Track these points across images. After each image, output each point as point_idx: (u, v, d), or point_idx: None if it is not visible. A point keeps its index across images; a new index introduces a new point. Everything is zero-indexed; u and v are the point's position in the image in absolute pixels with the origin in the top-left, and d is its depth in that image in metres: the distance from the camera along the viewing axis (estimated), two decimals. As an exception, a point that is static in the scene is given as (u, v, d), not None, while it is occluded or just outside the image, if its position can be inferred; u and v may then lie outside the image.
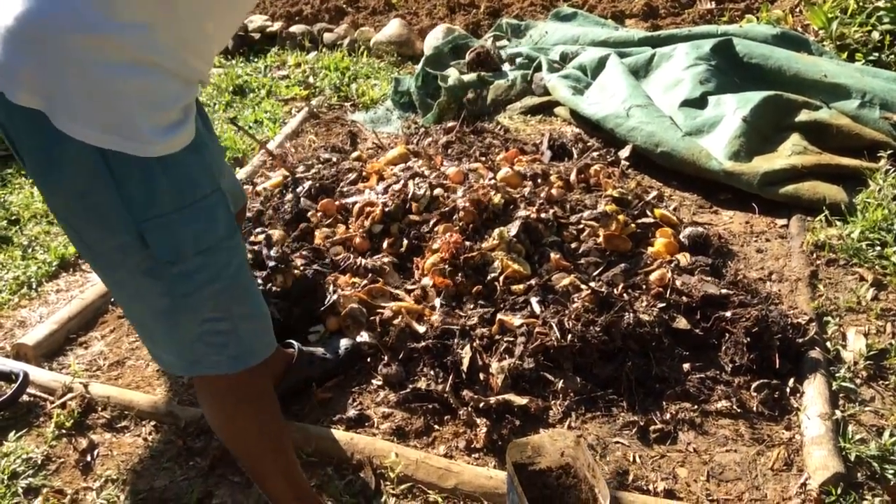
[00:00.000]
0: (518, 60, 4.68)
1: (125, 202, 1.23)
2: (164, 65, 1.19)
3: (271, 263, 2.51)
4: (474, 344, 2.35)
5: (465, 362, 2.29)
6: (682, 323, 2.41)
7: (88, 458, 2.09)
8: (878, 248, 2.80)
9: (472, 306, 2.53)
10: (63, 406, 2.23)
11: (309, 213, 3.05)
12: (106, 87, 1.15)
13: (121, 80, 1.15)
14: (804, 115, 3.52)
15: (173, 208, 1.27)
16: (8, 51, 1.13)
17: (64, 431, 2.17)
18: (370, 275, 2.69)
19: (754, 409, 2.18)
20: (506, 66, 4.68)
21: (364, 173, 3.33)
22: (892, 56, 4.20)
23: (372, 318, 2.49)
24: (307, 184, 3.22)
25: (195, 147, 1.30)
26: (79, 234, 1.33)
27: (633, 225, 2.86)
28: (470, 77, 4.43)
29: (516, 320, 2.41)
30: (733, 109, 3.51)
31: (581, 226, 2.83)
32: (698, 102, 3.68)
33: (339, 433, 2.10)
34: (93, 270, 1.46)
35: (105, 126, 1.16)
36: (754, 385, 2.23)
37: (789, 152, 3.32)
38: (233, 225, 1.40)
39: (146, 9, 1.14)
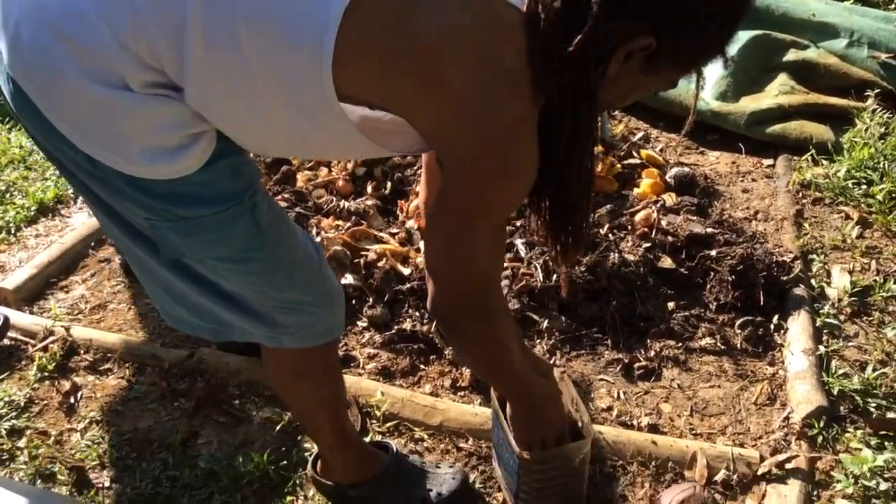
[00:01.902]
0: None
1: (126, 199, 1.13)
2: (170, 94, 1.05)
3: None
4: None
5: (450, 302, 2.28)
6: (667, 262, 2.41)
7: (72, 400, 2.07)
8: (864, 186, 2.80)
9: (456, 247, 2.51)
10: (45, 349, 2.21)
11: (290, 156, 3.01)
12: (95, 100, 1.02)
13: (114, 97, 1.02)
14: (792, 55, 3.48)
15: (178, 217, 1.14)
16: (21, 21, 1.02)
17: (46, 374, 2.15)
18: (354, 217, 2.67)
19: (738, 345, 2.19)
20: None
21: (347, 116, 3.27)
22: (881, -5, 4.16)
23: (356, 260, 2.47)
24: (289, 127, 3.17)
25: (210, 163, 1.12)
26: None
27: (619, 166, 2.84)
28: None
29: (501, 260, 2.40)
30: (721, 49, 3.46)
31: (567, 166, 2.80)
32: (685, 43, 3.63)
33: (324, 373, 2.09)
34: None
35: (90, 135, 1.06)
36: (738, 322, 2.24)
37: (776, 92, 3.29)
38: (265, 237, 1.23)
39: (162, 64, 1.02)
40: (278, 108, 1.08)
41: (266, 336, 1.39)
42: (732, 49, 3.36)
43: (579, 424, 1.64)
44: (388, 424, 1.95)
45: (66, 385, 2.11)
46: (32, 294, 2.47)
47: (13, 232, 2.83)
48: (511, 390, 1.50)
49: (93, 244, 2.70)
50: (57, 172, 3.18)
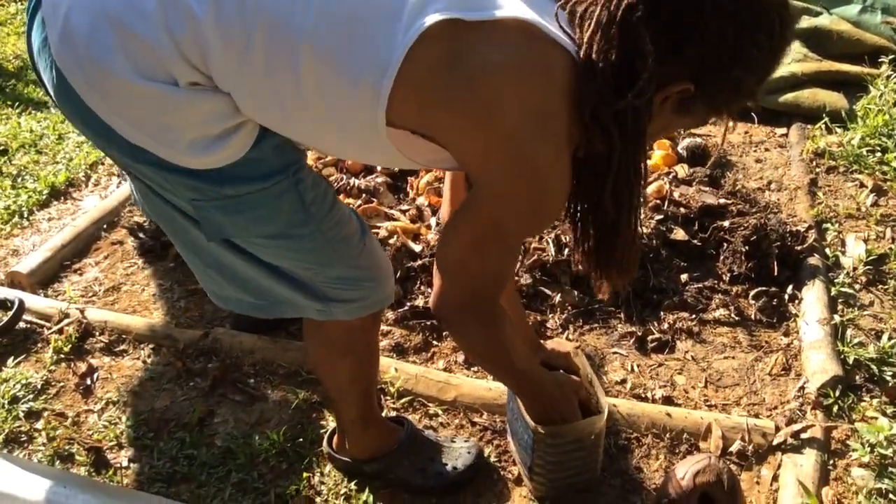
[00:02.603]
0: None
1: (170, 184, 1.16)
2: (212, 86, 1.08)
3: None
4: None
5: (463, 278, 2.28)
6: (679, 234, 2.39)
7: (88, 382, 2.09)
8: (879, 153, 2.77)
9: (468, 223, 2.51)
10: (60, 332, 2.22)
11: (300, 135, 3.00)
12: (143, 92, 1.04)
13: (162, 91, 1.04)
14: (804, 22, 3.44)
15: (223, 196, 1.17)
16: (74, 6, 1.03)
17: (62, 356, 2.17)
18: (364, 195, 2.66)
19: (752, 316, 2.18)
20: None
21: (355, 93, 3.26)
22: (895, -41, 4.08)
23: (367, 237, 2.47)
24: (298, 105, 3.16)
25: (252, 146, 1.15)
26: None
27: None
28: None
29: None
30: (732, 18, 3.42)
31: (577, 140, 2.78)
32: (696, 11, 3.59)
33: (338, 351, 2.10)
34: None
35: (137, 124, 1.08)
36: (752, 293, 2.23)
37: (789, 60, 3.25)
38: (309, 212, 1.24)
39: (215, 76, 1.06)
40: (326, 129, 1.14)
41: (318, 310, 1.40)
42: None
43: (593, 400, 1.64)
44: (403, 400, 1.96)
45: (82, 367, 2.12)
46: (47, 277, 2.48)
47: (26, 216, 2.84)
48: (512, 386, 1.57)
49: (105, 227, 2.71)
50: (68, 156, 3.19)
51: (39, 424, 1.97)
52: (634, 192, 1.18)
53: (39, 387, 2.08)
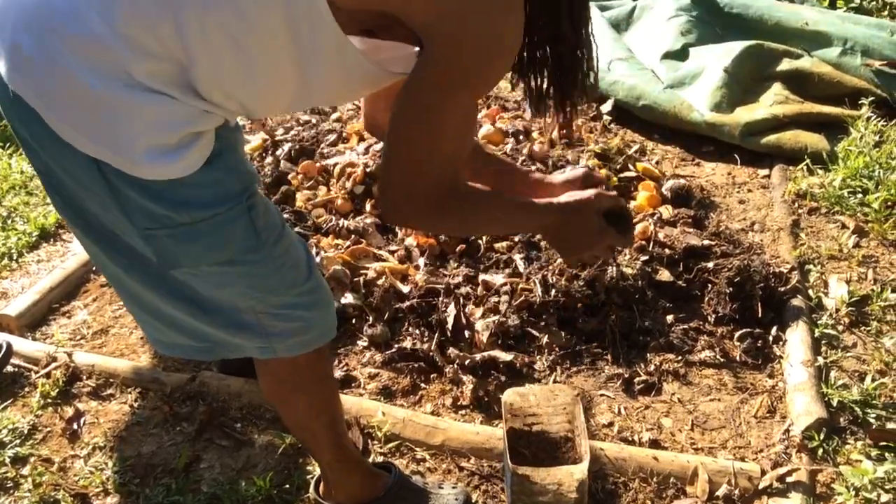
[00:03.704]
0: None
1: (124, 211, 1.13)
2: (170, 93, 1.07)
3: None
4: (459, 302, 2.35)
5: (450, 321, 2.29)
6: (664, 275, 2.42)
7: (75, 427, 2.08)
8: (860, 195, 2.81)
9: (456, 265, 2.53)
10: (48, 376, 2.22)
11: (290, 176, 3.02)
12: (98, 97, 1.04)
13: (116, 94, 1.04)
14: (785, 65, 3.50)
15: (177, 223, 1.15)
16: (15, 27, 1.05)
17: (49, 401, 2.16)
18: (353, 236, 2.68)
19: (737, 358, 2.20)
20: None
21: (344, 134, 3.30)
22: (874, 2, 4.18)
23: (356, 279, 2.48)
24: (287, 146, 3.19)
25: (209, 163, 1.15)
26: (76, 223, 1.24)
27: (615, 179, 2.86)
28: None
29: (499, 279, 2.41)
30: (714, 60, 3.49)
31: (563, 181, 2.82)
32: (680, 54, 3.66)
33: (326, 394, 2.10)
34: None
35: (93, 136, 1.06)
36: (737, 334, 2.25)
37: (771, 102, 3.31)
38: (261, 238, 1.24)
39: (161, 46, 1.04)
40: (277, 46, 1.08)
41: (259, 347, 1.40)
42: (727, 60, 3.39)
43: (580, 450, 1.66)
44: (390, 445, 1.96)
45: (69, 411, 2.12)
46: (35, 320, 2.49)
47: (15, 258, 2.84)
48: (516, 230, 1.43)
49: (94, 269, 2.71)
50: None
51: (26, 470, 1.96)
52: (586, 5, 1.18)
53: (26, 432, 2.07)
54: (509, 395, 1.83)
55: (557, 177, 1.50)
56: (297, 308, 1.37)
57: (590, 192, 1.37)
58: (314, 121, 3.52)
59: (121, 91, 1.03)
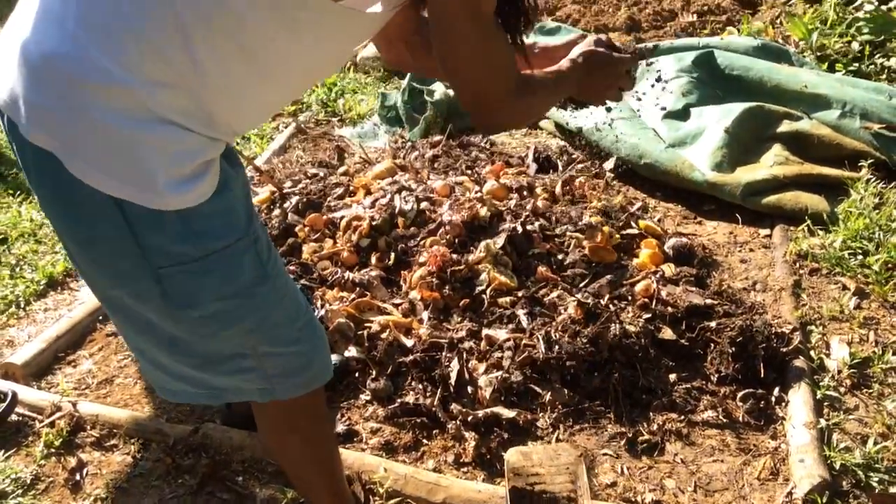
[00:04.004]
0: (503, 74, 4.70)
1: (142, 249, 1.18)
2: (181, 122, 1.14)
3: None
4: (462, 357, 2.36)
5: (453, 376, 2.31)
6: (667, 333, 2.44)
7: (77, 477, 2.09)
8: (860, 256, 2.84)
9: (459, 319, 2.55)
10: (52, 425, 2.23)
11: (296, 228, 3.06)
12: (121, 138, 1.10)
13: (137, 132, 1.11)
14: (785, 126, 3.56)
15: (191, 258, 1.21)
16: (31, 89, 1.10)
17: (53, 450, 2.17)
18: (358, 289, 2.71)
19: (740, 418, 2.20)
20: (491, 80, 4.70)
21: (351, 188, 3.34)
22: (872, 66, 4.26)
23: (360, 332, 2.50)
24: (294, 199, 3.23)
25: (218, 192, 1.22)
26: (90, 279, 1.30)
27: (618, 236, 2.89)
28: (455, 91, 4.44)
29: (502, 334, 2.43)
30: (715, 121, 3.55)
31: (567, 238, 2.85)
32: (681, 114, 3.72)
33: (329, 448, 2.10)
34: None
35: (120, 176, 1.12)
36: (740, 395, 2.26)
37: (771, 163, 3.35)
38: (265, 270, 1.32)
39: (172, 71, 1.10)
40: (272, 31, 1.16)
41: (260, 389, 1.43)
42: (727, 120, 3.45)
43: None
44: (392, 502, 1.95)
45: (72, 462, 2.12)
46: (41, 369, 2.50)
47: (22, 306, 2.87)
48: (561, 95, 1.62)
49: (101, 318, 2.74)
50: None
51: (26, 522, 1.96)
52: None
53: (29, 481, 2.07)
54: (512, 455, 1.84)
55: (558, 41, 1.70)
56: (298, 343, 1.42)
57: (587, 39, 1.62)
58: (322, 174, 3.57)
59: (143, 127, 1.10)
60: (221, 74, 1.14)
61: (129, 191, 1.13)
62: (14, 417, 2.27)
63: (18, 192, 3.73)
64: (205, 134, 1.17)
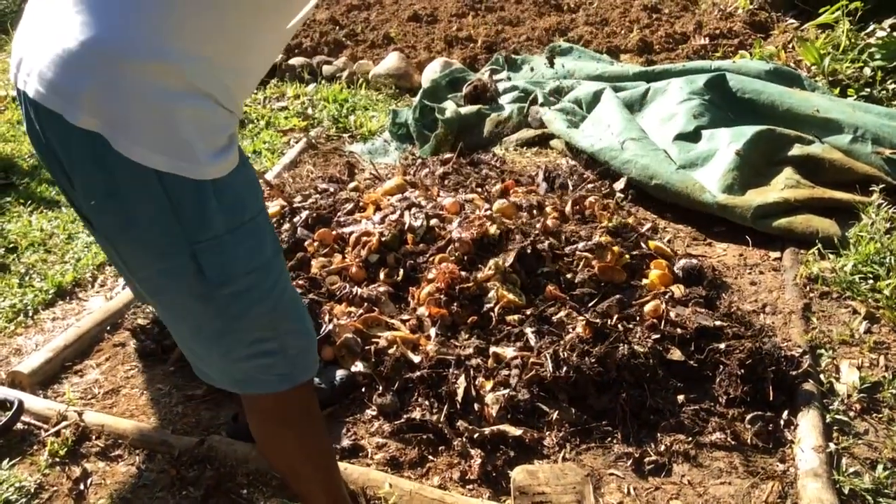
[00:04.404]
0: (514, 94, 4.73)
1: (181, 224, 1.25)
2: (215, 95, 1.23)
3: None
4: (469, 374, 2.35)
5: (460, 392, 2.30)
6: (676, 354, 2.42)
7: (81, 487, 2.08)
8: (871, 281, 2.82)
9: (467, 336, 2.54)
10: (57, 434, 2.23)
11: (306, 243, 3.07)
12: (165, 111, 1.17)
13: (179, 106, 1.18)
14: (797, 150, 3.56)
15: (226, 230, 1.29)
16: (69, 73, 1.14)
17: (58, 460, 2.17)
18: (366, 304, 2.70)
19: (748, 441, 2.18)
20: (502, 100, 4.73)
21: (361, 203, 3.35)
22: (884, 92, 4.26)
23: (367, 347, 2.50)
24: (304, 213, 3.24)
25: (241, 168, 1.33)
26: (126, 260, 1.35)
27: (627, 256, 2.88)
28: (467, 109, 4.47)
29: (510, 352, 2.42)
30: (727, 143, 3.55)
31: (576, 257, 2.85)
32: (692, 136, 3.72)
33: (334, 463, 2.09)
34: (145, 296, 1.47)
35: (164, 149, 1.19)
36: (748, 417, 2.24)
37: (782, 186, 3.35)
38: (278, 244, 1.43)
39: (209, 43, 1.19)
40: None
41: (279, 375, 1.48)
42: (738, 143, 3.45)
43: None
44: (397, 517, 1.94)
45: (77, 471, 2.12)
46: (47, 378, 2.50)
47: (31, 315, 2.88)
48: None
49: (108, 328, 2.74)
50: (76, 256, 3.24)
51: (29, 530, 1.95)
52: None
53: (33, 490, 2.07)
54: (518, 473, 1.83)
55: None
56: (305, 319, 1.52)
57: None
58: (332, 189, 3.58)
59: (182, 100, 1.18)
60: (238, 27, 1.22)
61: (173, 163, 1.20)
62: (19, 426, 2.27)
63: (29, 202, 3.76)
64: (227, 107, 1.26)
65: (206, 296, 1.32)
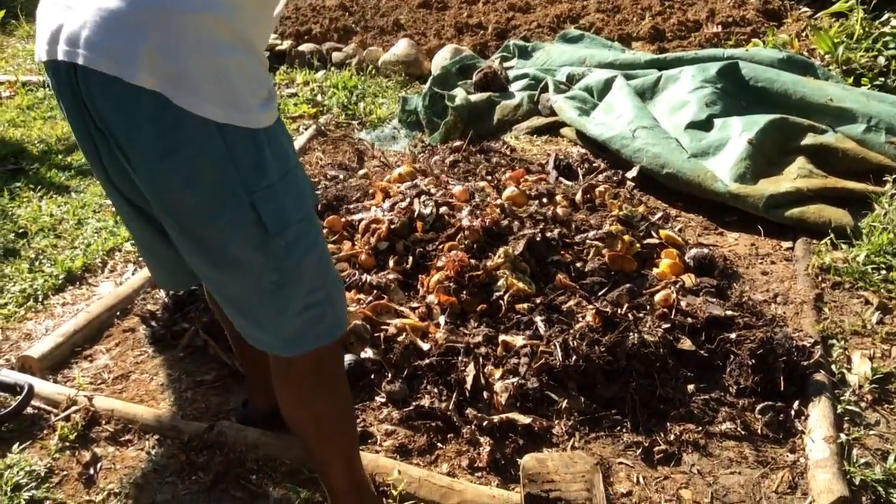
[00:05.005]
0: (525, 81, 4.70)
1: (240, 173, 1.29)
2: (255, 47, 1.28)
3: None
4: (478, 362, 2.35)
5: (469, 380, 2.29)
6: (686, 344, 2.41)
7: (91, 472, 2.09)
8: (884, 271, 2.80)
9: (476, 324, 2.53)
10: (67, 419, 2.23)
11: (315, 230, 3.06)
12: (219, 64, 1.21)
13: (230, 58, 1.22)
14: (810, 139, 3.53)
15: (278, 177, 1.34)
16: (122, 34, 1.16)
17: (67, 444, 2.17)
18: (375, 291, 2.70)
19: (759, 431, 2.17)
20: (513, 87, 4.71)
21: (370, 191, 3.34)
22: (898, 81, 4.22)
23: (376, 334, 2.49)
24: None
25: (279, 122, 1.38)
26: (188, 219, 1.35)
27: (638, 245, 2.87)
28: (477, 97, 4.45)
29: (519, 340, 2.41)
30: (739, 132, 3.52)
31: (586, 245, 2.83)
32: (704, 125, 3.70)
33: (343, 450, 2.09)
34: (195, 262, 1.46)
35: (222, 102, 1.22)
36: (759, 407, 2.23)
37: (795, 175, 3.33)
38: (312, 195, 1.48)
39: None
40: None
41: (329, 326, 1.52)
42: (751, 132, 3.43)
43: None
44: (405, 504, 1.95)
45: (87, 456, 2.12)
46: (57, 363, 2.51)
47: (41, 300, 2.88)
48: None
49: (118, 313, 2.75)
50: (86, 241, 3.25)
51: (40, 514, 1.96)
52: None
53: (43, 474, 2.07)
54: (528, 461, 1.82)
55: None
56: (336, 276, 1.57)
57: None
58: (341, 176, 3.58)
59: (231, 51, 1.22)
60: None
61: (231, 114, 1.24)
62: (29, 410, 2.28)
63: (39, 187, 3.76)
64: (263, 60, 1.32)
65: (264, 246, 1.36)
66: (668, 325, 2.45)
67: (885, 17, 4.66)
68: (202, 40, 1.18)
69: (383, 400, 2.32)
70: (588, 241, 2.84)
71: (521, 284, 2.61)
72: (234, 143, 1.26)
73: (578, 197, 3.21)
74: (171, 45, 1.16)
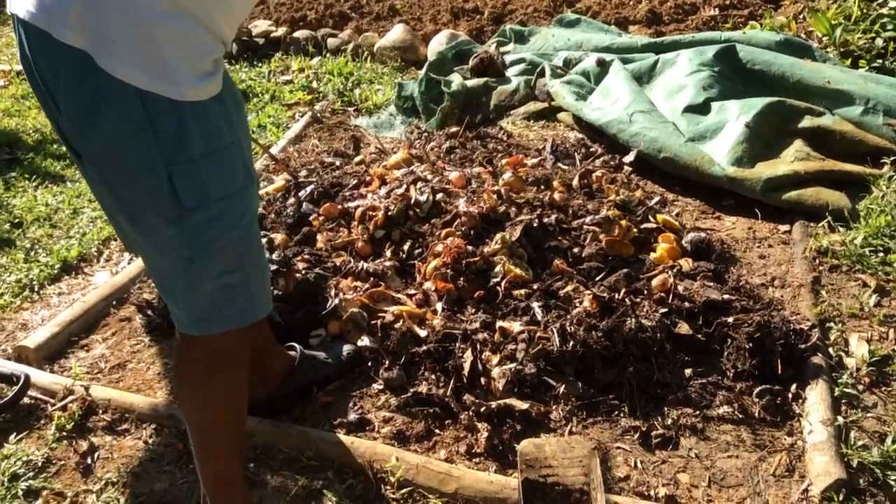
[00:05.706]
0: (521, 66, 4.68)
1: (158, 143, 1.28)
2: (198, 16, 1.26)
3: (273, 267, 2.51)
4: (476, 348, 2.34)
5: (467, 367, 2.29)
6: (683, 328, 2.41)
7: (89, 461, 2.09)
8: (881, 254, 2.80)
9: (473, 311, 2.53)
10: (64, 409, 2.23)
11: (311, 217, 3.05)
12: (150, 31, 1.21)
13: (163, 25, 1.21)
14: (807, 122, 3.51)
15: (200, 153, 1.33)
16: None
17: (64, 434, 2.17)
18: (372, 279, 2.69)
19: (756, 414, 2.17)
20: (509, 72, 4.68)
21: (367, 178, 3.33)
22: (896, 63, 4.20)
23: (373, 322, 2.49)
24: (310, 188, 3.22)
25: (219, 98, 1.37)
26: (110, 182, 1.37)
27: (635, 230, 2.86)
28: (474, 82, 4.43)
29: (516, 326, 2.41)
30: (736, 115, 3.51)
31: (583, 231, 2.82)
32: (701, 108, 3.68)
33: (340, 437, 2.10)
34: (125, 225, 1.49)
35: (148, 68, 1.22)
36: (756, 391, 2.22)
37: (792, 158, 3.31)
38: (251, 176, 1.47)
39: None
40: None
41: (241, 311, 1.54)
42: (748, 115, 3.41)
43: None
44: (403, 491, 1.94)
45: (84, 445, 2.12)
46: (53, 352, 2.51)
47: (36, 290, 2.88)
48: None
49: (114, 303, 2.74)
50: (81, 231, 3.24)
51: (38, 504, 1.96)
52: None
53: (40, 464, 2.07)
54: (525, 446, 1.82)
55: None
56: (265, 256, 1.59)
57: None
58: (337, 163, 3.56)
59: (167, 19, 1.21)
60: None
61: (154, 82, 1.24)
62: (26, 400, 2.27)
63: (34, 177, 3.75)
64: (212, 31, 1.30)
65: (178, 220, 1.36)
66: (665, 310, 2.45)
67: (883, -2, 4.63)
68: (134, 5, 1.19)
69: (381, 387, 2.31)
70: (585, 227, 2.83)
71: (518, 270, 2.60)
72: (156, 111, 1.26)
73: (575, 182, 3.20)
74: (101, 6, 1.18)
